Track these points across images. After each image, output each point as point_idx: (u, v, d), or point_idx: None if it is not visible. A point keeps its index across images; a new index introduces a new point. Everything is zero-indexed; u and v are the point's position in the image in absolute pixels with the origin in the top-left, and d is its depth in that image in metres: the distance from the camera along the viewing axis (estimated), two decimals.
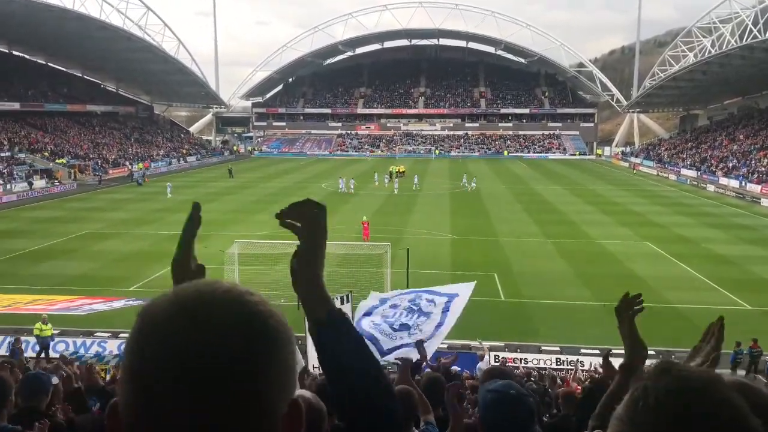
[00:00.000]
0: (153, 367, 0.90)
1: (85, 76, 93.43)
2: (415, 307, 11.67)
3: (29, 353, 18.97)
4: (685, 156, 76.82)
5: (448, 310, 11.25)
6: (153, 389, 0.89)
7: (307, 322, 1.45)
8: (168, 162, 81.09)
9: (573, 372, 16.10)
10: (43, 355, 18.64)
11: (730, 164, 65.30)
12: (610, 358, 2.93)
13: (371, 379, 1.43)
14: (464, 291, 11.26)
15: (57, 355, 18.88)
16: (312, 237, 1.45)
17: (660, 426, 0.85)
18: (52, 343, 19.42)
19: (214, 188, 57.40)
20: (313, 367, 13.76)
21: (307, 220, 1.44)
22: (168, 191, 51.41)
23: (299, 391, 2.81)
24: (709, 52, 75.06)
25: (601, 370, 16.14)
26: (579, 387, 11.74)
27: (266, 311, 0.97)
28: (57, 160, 64.15)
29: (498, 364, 17.45)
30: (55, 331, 20.08)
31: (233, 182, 62.26)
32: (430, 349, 11.44)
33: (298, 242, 1.45)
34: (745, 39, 63.77)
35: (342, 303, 13.47)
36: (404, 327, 11.66)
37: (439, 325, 10.93)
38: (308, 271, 1.45)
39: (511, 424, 2.54)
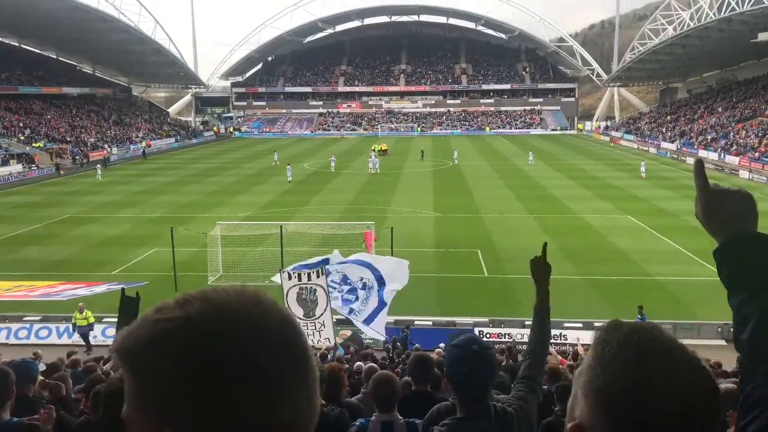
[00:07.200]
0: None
1: (60, 58, 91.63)
2: (360, 288, 13.98)
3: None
4: (665, 129, 77.32)
5: (383, 300, 13.76)
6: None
7: None
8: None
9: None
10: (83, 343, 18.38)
11: (710, 137, 65.82)
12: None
13: None
14: (402, 279, 14.02)
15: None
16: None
17: (624, 363, 1.00)
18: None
19: (195, 170, 56.87)
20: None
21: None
22: (98, 174, 51.66)
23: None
24: (688, 25, 75.22)
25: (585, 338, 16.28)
26: (564, 361, 11.88)
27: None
28: (33, 144, 63.11)
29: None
30: (37, 318, 19.92)
31: (215, 163, 61.65)
32: (380, 327, 13.97)
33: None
34: (723, 11, 63.88)
35: (318, 276, 12.94)
36: (351, 312, 14.15)
37: (381, 306, 13.64)
38: None
39: (475, 377, 2.78)
